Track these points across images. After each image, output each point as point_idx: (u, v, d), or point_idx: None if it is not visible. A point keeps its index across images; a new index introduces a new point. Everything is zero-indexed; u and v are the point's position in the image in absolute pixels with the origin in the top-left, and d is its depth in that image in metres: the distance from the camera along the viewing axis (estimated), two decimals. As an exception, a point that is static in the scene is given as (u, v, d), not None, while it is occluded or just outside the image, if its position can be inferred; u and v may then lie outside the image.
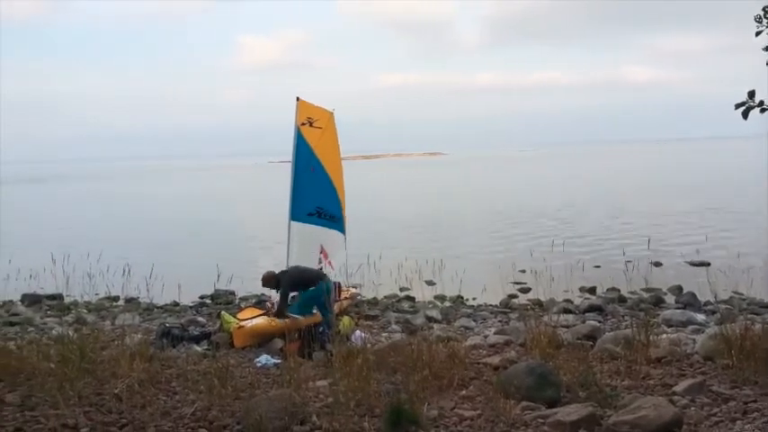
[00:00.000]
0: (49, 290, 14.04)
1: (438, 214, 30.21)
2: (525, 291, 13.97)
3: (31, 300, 13.70)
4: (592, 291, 13.64)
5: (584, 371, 5.42)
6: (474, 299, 13.40)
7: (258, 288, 14.02)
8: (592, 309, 11.83)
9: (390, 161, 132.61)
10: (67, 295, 13.86)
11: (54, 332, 9.07)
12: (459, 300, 13.33)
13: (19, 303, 13.60)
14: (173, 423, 4.20)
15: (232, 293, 13.90)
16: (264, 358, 7.59)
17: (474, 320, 11.32)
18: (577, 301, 12.81)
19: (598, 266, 15.85)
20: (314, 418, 4.39)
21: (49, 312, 12.72)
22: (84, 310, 12.61)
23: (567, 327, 9.32)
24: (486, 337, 9.12)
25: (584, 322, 10.12)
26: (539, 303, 12.37)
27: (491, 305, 12.83)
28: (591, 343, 7.60)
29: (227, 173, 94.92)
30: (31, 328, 10.64)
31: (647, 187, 40.43)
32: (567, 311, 11.52)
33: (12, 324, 11.17)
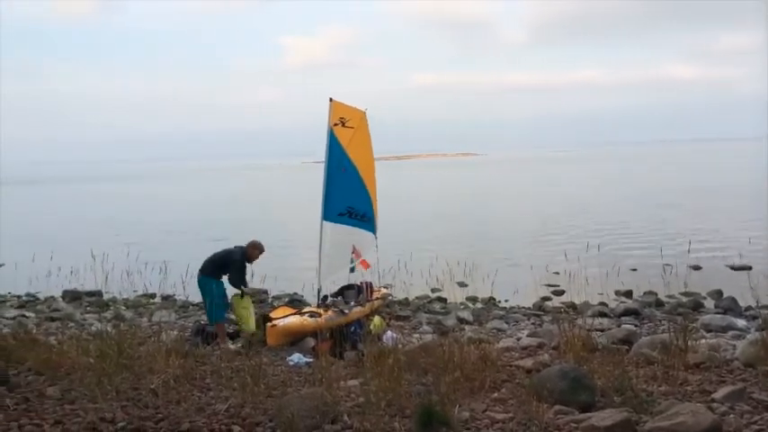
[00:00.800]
0: (89, 287, 14.40)
1: (470, 215, 30.04)
2: (559, 293, 13.79)
3: (72, 296, 14.10)
4: (628, 294, 13.38)
5: (619, 375, 5.31)
6: (506, 301, 13.28)
7: (290, 287, 14.22)
8: (628, 312, 11.60)
9: (423, 162, 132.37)
10: (106, 292, 14.21)
11: (93, 328, 9.30)
12: (491, 301, 13.23)
13: (60, 299, 14.01)
14: (207, 419, 4.26)
15: (265, 292, 14.05)
16: (297, 357, 7.65)
17: (506, 322, 11.22)
18: (613, 304, 12.58)
19: (635, 269, 15.55)
20: (345, 417, 4.41)
21: (88, 308, 13.06)
22: (123, 307, 12.92)
23: (602, 330, 9.16)
24: (518, 339, 9.04)
25: (619, 326, 9.94)
26: (572, 306, 12.21)
27: (524, 307, 12.70)
28: (626, 347, 7.47)
29: (261, 174, 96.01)
30: (72, 324, 10.93)
31: (689, 189, 39.43)
32: (601, 315, 11.33)
33: (53, 319, 11.50)
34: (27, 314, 12.25)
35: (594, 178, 56.11)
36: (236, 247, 9.41)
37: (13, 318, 11.62)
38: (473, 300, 13.47)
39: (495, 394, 5.26)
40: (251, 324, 9.04)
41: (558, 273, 14.82)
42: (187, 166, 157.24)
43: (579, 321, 8.25)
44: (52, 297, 14.17)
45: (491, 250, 19.21)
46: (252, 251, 9.33)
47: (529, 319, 11.60)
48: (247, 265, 9.38)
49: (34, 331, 6.74)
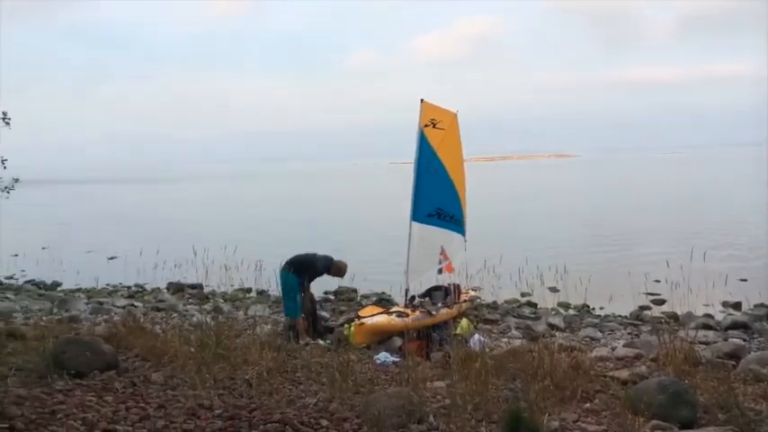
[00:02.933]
0: (191, 280, 15.24)
1: (563, 218, 29.11)
2: (659, 302, 13.11)
3: (176, 288, 14.98)
4: (736, 306, 12.52)
5: (724, 392, 4.97)
6: (601, 308, 12.77)
7: (379, 286, 14.37)
8: (735, 326, 10.86)
9: (515, 163, 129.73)
10: (207, 285, 14.98)
11: (194, 319, 9.82)
12: (584, 308, 12.78)
13: (165, 291, 14.92)
14: (297, 411, 4.37)
15: (354, 291, 14.30)
16: (383, 356, 7.72)
17: (600, 331, 10.79)
18: (719, 316, 11.81)
19: (744, 280, 14.49)
20: (431, 418, 4.39)
21: (190, 300, 13.83)
22: (221, 300, 13.57)
23: (707, 344, 8.65)
24: (613, 349, 8.69)
25: (726, 340, 9.33)
26: (674, 317, 11.59)
27: (620, 316, 12.18)
28: (733, 363, 7.01)
29: (352, 174, 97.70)
30: (175, 314, 11.60)
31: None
32: (706, 327, 10.67)
33: (158, 309, 12.26)
34: (135, 304, 13.13)
35: (702, 180, 52.74)
36: (324, 255, 9.62)
37: (123, 307, 12.50)
38: (565, 306, 13.06)
39: (588, 405, 5.07)
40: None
41: (658, 281, 14.08)
42: (307, 166, 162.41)
43: (681, 333, 7.82)
44: (158, 288, 15.12)
45: (585, 255, 18.54)
46: (337, 269, 9.53)
47: (625, 329, 11.11)
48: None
49: (141, 320, 7.19)
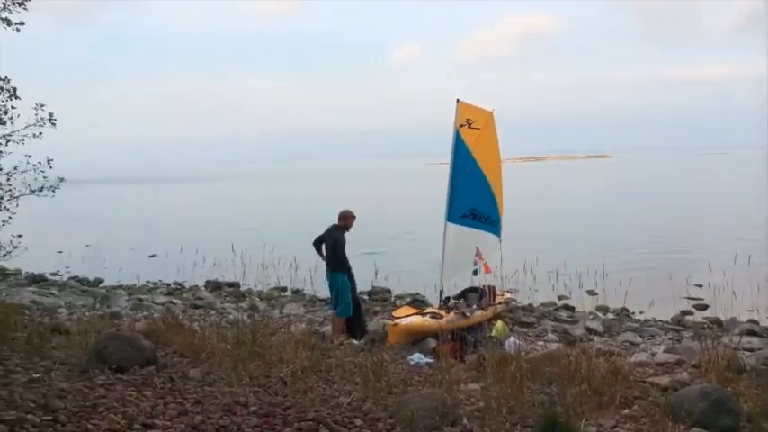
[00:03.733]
0: (229, 278, 15.48)
1: (602, 220, 28.57)
2: (701, 307, 12.77)
3: (213, 286, 15.24)
4: (784, 312, 12.07)
5: (770, 400, 4.81)
6: (641, 312, 12.50)
7: (413, 287, 14.35)
8: (782, 332, 10.48)
9: (551, 164, 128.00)
10: (243, 284, 15.19)
11: (231, 316, 9.97)
12: (623, 312, 12.52)
13: (203, 288, 15.19)
14: (330, 410, 4.40)
15: (388, 291, 14.31)
16: (417, 356, 7.70)
17: (640, 336, 10.57)
18: (765, 322, 11.43)
19: (792, 284, 13.97)
20: (464, 420, 4.36)
21: (227, 298, 14.05)
22: (257, 298, 13.75)
23: (751, 350, 8.38)
24: (653, 354, 8.50)
25: (772, 346, 9.00)
26: (717, 322, 11.27)
27: (660, 321, 11.90)
28: (780, 370, 6.74)
29: (387, 174, 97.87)
30: (212, 312, 11.80)
31: None
32: (750, 333, 10.33)
33: (196, 306, 12.49)
34: (174, 301, 13.40)
35: (750, 181, 51.08)
36: (331, 227, 9.32)
37: (163, 303, 12.77)
38: (604, 309, 12.82)
39: (626, 411, 4.96)
40: None
41: (700, 285, 13.72)
42: (346, 165, 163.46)
43: (724, 339, 7.60)
44: (196, 286, 15.40)
45: (625, 258, 18.16)
46: (347, 222, 9.24)
47: (666, 334, 10.85)
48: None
49: (180, 317, 7.35)
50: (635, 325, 11.49)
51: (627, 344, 9.83)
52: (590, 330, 10.75)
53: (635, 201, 39.03)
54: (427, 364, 7.30)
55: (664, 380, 6.10)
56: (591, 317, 12.09)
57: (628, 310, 12.61)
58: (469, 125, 10.21)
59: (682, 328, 11.28)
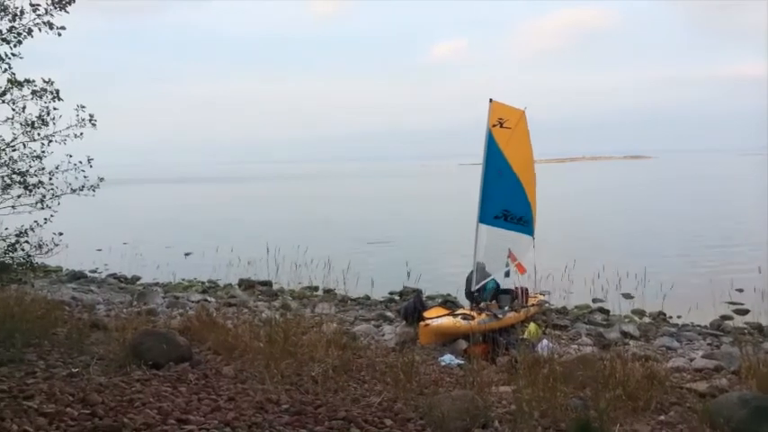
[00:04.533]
0: (262, 276, 15.65)
1: (641, 223, 28.00)
2: (742, 312, 12.42)
3: (247, 284, 15.43)
4: (829, 318, 11.64)
5: (814, 410, 4.63)
6: (678, 317, 12.21)
7: (444, 288, 14.30)
8: (828, 339, 10.11)
9: (587, 165, 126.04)
10: (276, 282, 15.34)
11: (263, 315, 10.08)
12: (660, 317, 12.25)
13: (236, 287, 15.39)
14: (361, 410, 4.41)
15: (420, 291, 14.27)
16: (448, 357, 7.67)
17: (678, 341, 10.32)
18: (809, 328, 11.03)
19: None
20: (496, 423, 4.33)
21: (260, 297, 14.20)
22: (289, 297, 13.86)
23: (795, 357, 8.08)
24: (691, 360, 8.31)
25: (817, 354, 8.69)
26: (758, 328, 10.95)
27: (699, 325, 11.61)
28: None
29: (422, 175, 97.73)
30: (246, 310, 11.94)
31: None
32: (795, 340, 9.99)
33: (230, 305, 12.65)
34: (209, 299, 13.60)
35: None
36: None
37: (197, 301, 12.97)
38: (640, 313, 12.57)
39: (662, 417, 4.85)
40: None
41: (741, 290, 13.34)
42: (384, 165, 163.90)
43: (766, 345, 7.37)
44: (230, 284, 15.61)
45: (664, 261, 17.76)
46: None
47: (704, 339, 10.58)
48: None
49: (214, 315, 7.44)
50: (672, 329, 11.23)
51: (664, 349, 9.62)
52: (625, 334, 10.55)
53: (674, 202, 38.17)
54: (458, 365, 7.26)
55: (702, 386, 5.97)
56: (626, 320, 11.87)
57: (665, 315, 12.34)
58: (501, 125, 10.13)
59: (721, 333, 10.99)
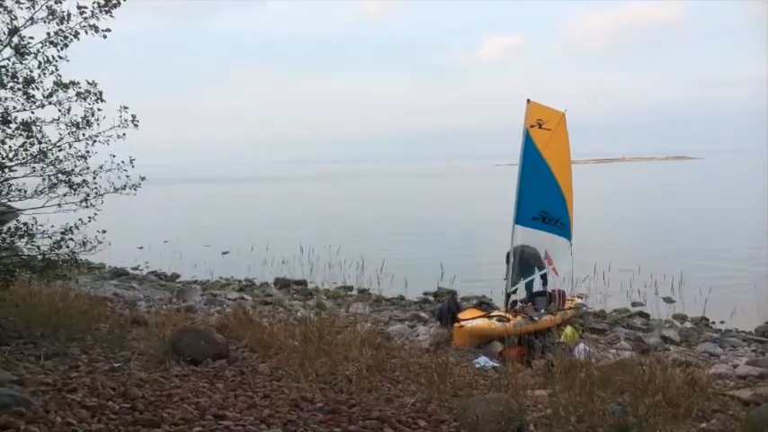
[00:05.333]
0: (297, 276, 15.81)
1: (683, 226, 27.30)
2: (789, 318, 11.96)
3: (282, 283, 15.60)
4: None
5: None
6: (722, 322, 11.87)
7: (479, 289, 14.19)
8: None
9: (629, 165, 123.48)
10: (311, 282, 15.47)
11: (299, 314, 10.17)
12: (702, 322, 11.92)
13: (272, 285, 15.57)
14: (395, 410, 4.41)
15: (454, 292, 14.20)
16: (483, 360, 7.61)
17: (720, 347, 10.03)
18: None
19: None
20: (531, 427, 4.27)
21: (295, 296, 14.33)
22: (324, 297, 13.96)
23: None
24: (735, 366, 8.07)
25: None
26: (807, 334, 10.53)
27: (743, 331, 11.25)
28: None
29: (453, 176, 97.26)
30: (281, 309, 12.07)
31: None
32: None
33: (266, 303, 12.81)
34: (245, 297, 13.79)
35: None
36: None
37: (234, 299, 13.17)
38: (681, 318, 12.25)
39: (704, 425, 4.72)
40: None
41: (788, 294, 12.89)
42: (422, 166, 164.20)
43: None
44: (266, 283, 15.80)
45: (706, 264, 17.26)
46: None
47: (749, 345, 10.25)
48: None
49: (251, 313, 7.55)
50: (715, 335, 10.92)
51: (706, 355, 9.37)
52: (666, 339, 10.30)
53: (717, 204, 37.09)
54: (493, 367, 7.20)
55: (745, 393, 5.79)
56: (667, 325, 11.58)
57: (707, 320, 12.00)
58: (540, 126, 10.01)
59: (766, 339, 10.63)
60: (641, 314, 12.56)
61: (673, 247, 20.89)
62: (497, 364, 7.30)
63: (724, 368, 7.91)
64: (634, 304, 13.03)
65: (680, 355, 8.36)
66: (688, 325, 11.82)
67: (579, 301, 11.47)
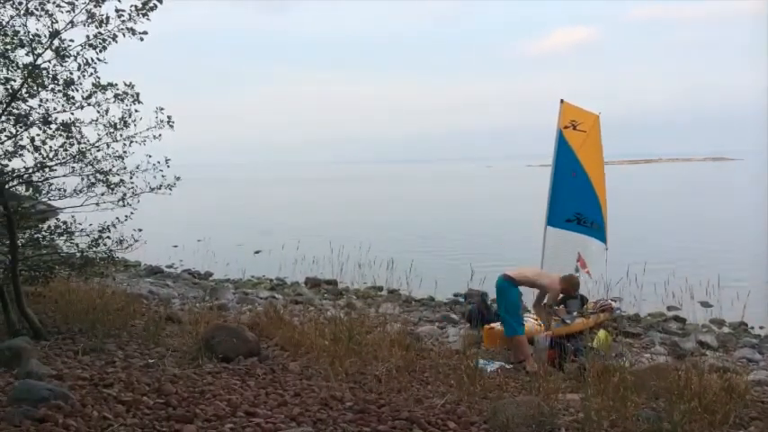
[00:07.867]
0: (327, 275, 15.89)
1: (719, 226, 26.63)
2: (833, 324, 11.57)
3: (313, 283, 15.70)
4: None
5: None
6: (761, 328, 11.53)
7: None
8: None
9: (665, 166, 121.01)
10: (341, 282, 15.54)
11: (329, 313, 10.23)
12: (741, 327, 11.60)
13: (303, 285, 15.68)
14: (424, 411, 4.40)
15: (485, 294, 14.10)
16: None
17: (760, 353, 9.75)
18: None
19: None
20: (562, 431, 4.22)
21: (325, 295, 14.42)
22: (354, 297, 14.01)
23: None
24: (775, 373, 7.81)
25: None
26: None
27: (784, 337, 10.91)
28: None
29: (487, 176, 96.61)
30: (311, 308, 12.16)
31: None
32: None
33: (296, 302, 12.92)
34: (276, 296, 13.93)
35: None
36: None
37: (266, 298, 13.31)
38: (719, 323, 11.94)
39: (742, 432, 4.60)
40: None
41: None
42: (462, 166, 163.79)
43: None
44: (297, 282, 15.93)
45: (745, 268, 16.80)
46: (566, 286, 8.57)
47: (790, 352, 9.94)
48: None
49: (281, 312, 7.63)
50: (754, 341, 10.62)
51: (744, 360, 9.11)
52: (702, 344, 10.06)
53: (756, 206, 36.06)
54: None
55: (787, 402, 5.60)
56: (704, 330, 11.31)
57: (746, 325, 11.67)
58: (574, 127, 9.88)
59: (809, 346, 10.30)
60: (677, 318, 12.29)
61: (707, 250, 20.37)
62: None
63: (763, 375, 7.69)
64: (670, 308, 12.75)
65: (717, 361, 8.16)
66: (726, 330, 11.52)
67: (613, 303, 11.26)
